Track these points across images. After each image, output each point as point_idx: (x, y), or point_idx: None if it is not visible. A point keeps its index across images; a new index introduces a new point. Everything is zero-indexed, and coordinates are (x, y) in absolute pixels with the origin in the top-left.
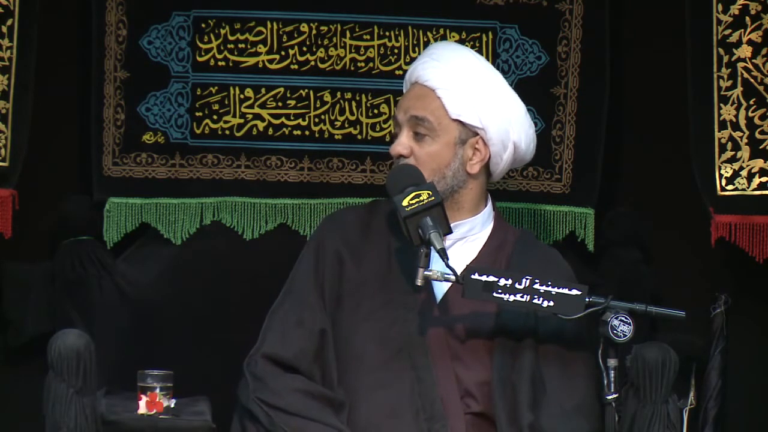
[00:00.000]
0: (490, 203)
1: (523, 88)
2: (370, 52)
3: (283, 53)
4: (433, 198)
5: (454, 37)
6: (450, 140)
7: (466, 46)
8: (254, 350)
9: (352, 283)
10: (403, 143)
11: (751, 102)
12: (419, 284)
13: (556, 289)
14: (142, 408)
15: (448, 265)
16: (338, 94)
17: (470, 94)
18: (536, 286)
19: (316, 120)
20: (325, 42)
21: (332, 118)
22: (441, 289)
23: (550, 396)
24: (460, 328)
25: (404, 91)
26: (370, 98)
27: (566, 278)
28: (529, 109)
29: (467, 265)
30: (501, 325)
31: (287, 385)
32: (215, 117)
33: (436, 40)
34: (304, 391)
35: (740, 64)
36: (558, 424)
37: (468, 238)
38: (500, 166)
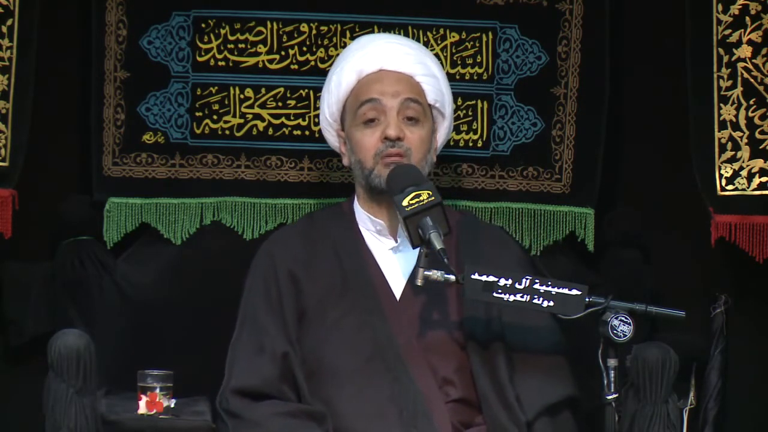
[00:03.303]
0: None
1: (523, 88)
2: None
3: (283, 53)
4: (433, 198)
5: (454, 37)
6: (430, 126)
7: (466, 46)
8: (223, 387)
9: (312, 298)
10: (399, 126)
11: (751, 102)
12: (419, 284)
13: (555, 289)
14: (142, 408)
15: (447, 266)
16: None
17: (439, 82)
18: (536, 286)
19: (316, 120)
20: (325, 42)
21: None
22: (399, 286)
23: (525, 373)
24: (426, 321)
25: (345, 78)
26: None
27: (518, 255)
28: (529, 109)
29: (466, 266)
30: (467, 332)
31: (264, 413)
32: (215, 117)
33: (436, 40)
34: (282, 414)
35: (740, 64)
36: (536, 393)
37: None
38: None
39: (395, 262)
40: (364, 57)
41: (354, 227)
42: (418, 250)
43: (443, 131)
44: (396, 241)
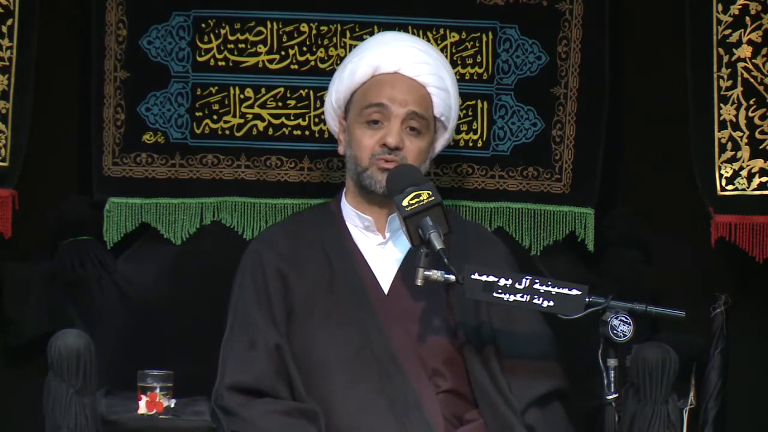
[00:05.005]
0: None
1: (523, 88)
2: None
3: (283, 53)
4: (433, 198)
5: (453, 37)
6: (430, 138)
7: (466, 46)
8: (217, 384)
9: (300, 295)
10: (399, 135)
11: (751, 102)
12: (419, 284)
13: (555, 289)
14: (142, 408)
15: (447, 266)
16: None
17: (450, 96)
18: (536, 286)
19: (316, 120)
20: (325, 42)
21: None
22: (387, 281)
23: (515, 370)
24: (415, 314)
25: (360, 70)
26: None
27: (504, 252)
28: (529, 109)
29: (466, 265)
30: (459, 330)
31: (259, 411)
32: (215, 117)
33: (436, 40)
34: (277, 412)
35: (740, 64)
36: (525, 386)
37: None
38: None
39: (383, 257)
40: (384, 54)
41: (341, 224)
42: (405, 245)
43: (442, 141)
44: (384, 237)
